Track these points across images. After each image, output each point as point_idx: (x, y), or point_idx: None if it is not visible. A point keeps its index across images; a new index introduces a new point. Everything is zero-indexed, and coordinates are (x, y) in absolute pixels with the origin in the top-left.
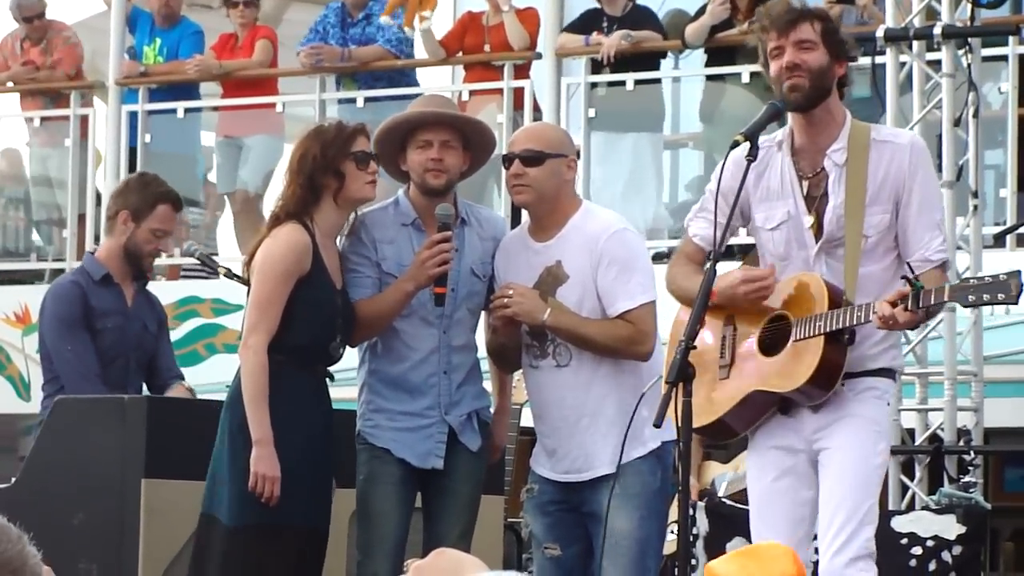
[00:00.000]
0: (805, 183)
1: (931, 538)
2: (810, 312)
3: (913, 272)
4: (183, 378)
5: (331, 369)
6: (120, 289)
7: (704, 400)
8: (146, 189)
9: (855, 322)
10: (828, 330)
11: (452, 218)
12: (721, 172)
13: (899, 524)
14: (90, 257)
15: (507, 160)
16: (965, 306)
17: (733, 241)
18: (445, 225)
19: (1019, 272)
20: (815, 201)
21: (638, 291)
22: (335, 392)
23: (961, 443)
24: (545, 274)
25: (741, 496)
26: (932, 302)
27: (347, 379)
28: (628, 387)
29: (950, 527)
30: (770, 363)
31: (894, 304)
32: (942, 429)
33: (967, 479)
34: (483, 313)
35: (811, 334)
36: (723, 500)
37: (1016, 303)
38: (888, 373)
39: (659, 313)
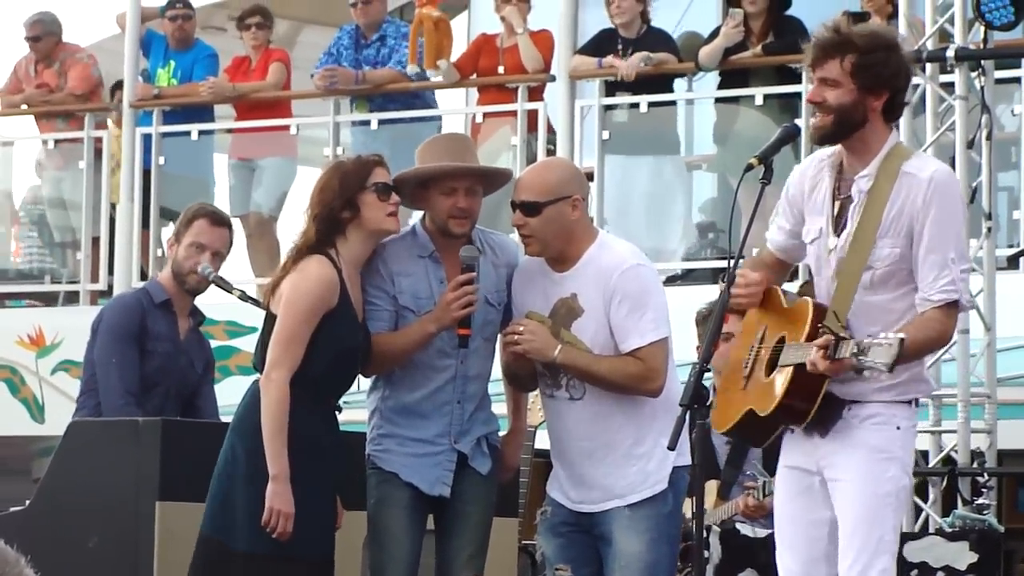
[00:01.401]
0: (837, 204)
1: (942, 568)
2: (796, 338)
3: (839, 321)
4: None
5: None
6: (176, 319)
7: (724, 404)
8: (187, 212)
9: (800, 360)
10: (792, 363)
11: (477, 260)
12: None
13: (911, 552)
14: (154, 281)
15: (512, 206)
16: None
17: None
18: (469, 267)
19: (902, 339)
20: (840, 224)
21: (649, 328)
22: (347, 414)
23: (975, 465)
24: (560, 305)
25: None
26: (842, 354)
27: (357, 402)
28: (642, 417)
29: (962, 555)
30: (764, 384)
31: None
32: (956, 451)
33: (981, 501)
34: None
35: (788, 363)
36: (738, 529)
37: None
38: (898, 401)
39: (675, 336)
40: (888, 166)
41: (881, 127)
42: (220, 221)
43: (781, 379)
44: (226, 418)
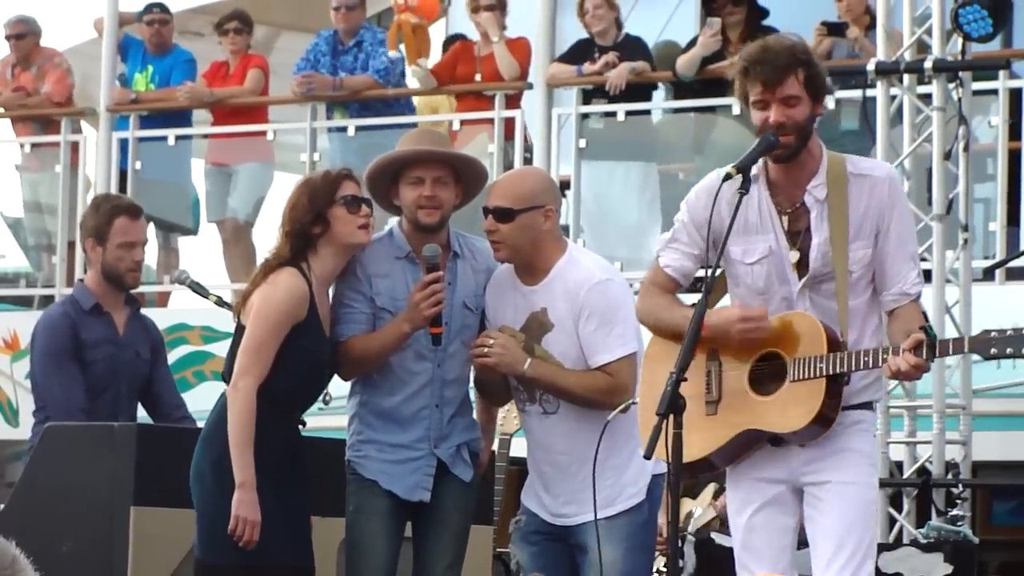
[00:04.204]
0: (784, 218)
1: None
2: (806, 352)
3: (927, 320)
4: (187, 412)
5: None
6: (111, 318)
7: (691, 436)
8: (99, 210)
9: (860, 367)
10: (831, 372)
11: (439, 257)
12: (711, 205)
13: (886, 564)
14: (80, 286)
15: (484, 211)
16: (987, 358)
17: (701, 273)
18: (434, 265)
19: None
20: (797, 237)
21: (616, 344)
22: (326, 420)
23: (949, 476)
24: (531, 319)
25: (707, 530)
26: (951, 352)
27: (336, 408)
28: (618, 430)
29: (937, 566)
30: (765, 402)
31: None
32: (930, 462)
33: (955, 512)
34: None
35: (811, 375)
36: (712, 538)
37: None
38: (870, 406)
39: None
40: (833, 171)
41: (815, 136)
42: (138, 212)
43: (812, 394)
44: (203, 422)
